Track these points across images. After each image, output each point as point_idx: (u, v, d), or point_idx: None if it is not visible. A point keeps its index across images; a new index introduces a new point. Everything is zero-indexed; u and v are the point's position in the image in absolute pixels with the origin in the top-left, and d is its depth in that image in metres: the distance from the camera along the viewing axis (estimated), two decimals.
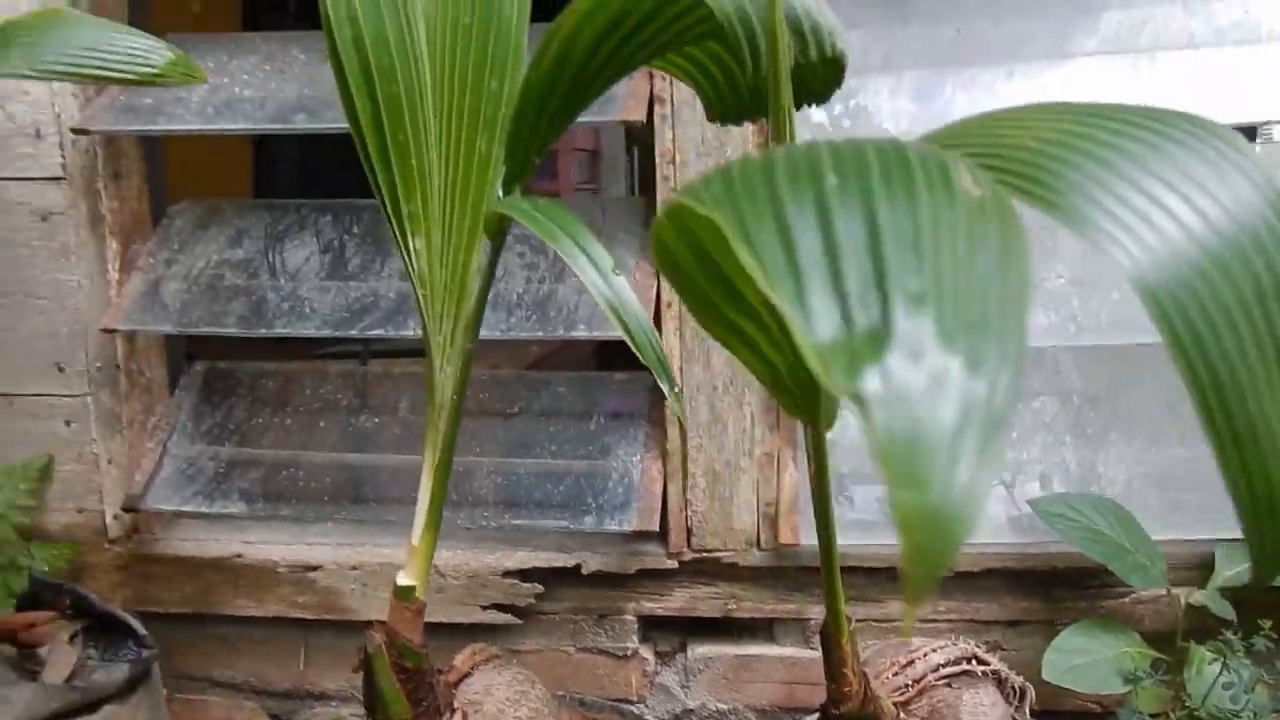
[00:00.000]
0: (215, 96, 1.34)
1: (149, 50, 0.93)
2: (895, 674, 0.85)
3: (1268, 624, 1.17)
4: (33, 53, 0.90)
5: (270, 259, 1.40)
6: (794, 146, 0.38)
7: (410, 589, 0.83)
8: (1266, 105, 1.23)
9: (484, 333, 1.28)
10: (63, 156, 1.34)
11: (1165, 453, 1.33)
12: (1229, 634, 1.14)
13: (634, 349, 0.67)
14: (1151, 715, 1.15)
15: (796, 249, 0.32)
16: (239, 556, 1.42)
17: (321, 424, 1.46)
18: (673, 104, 1.25)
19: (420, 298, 0.78)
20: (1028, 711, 0.91)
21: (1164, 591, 1.24)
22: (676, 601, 1.37)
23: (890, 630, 1.35)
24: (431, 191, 0.76)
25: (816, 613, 1.36)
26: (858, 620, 1.35)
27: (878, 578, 1.34)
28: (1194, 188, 0.38)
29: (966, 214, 0.33)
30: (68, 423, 1.41)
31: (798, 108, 0.69)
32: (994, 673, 0.89)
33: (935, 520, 0.27)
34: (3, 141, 1.35)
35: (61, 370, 1.40)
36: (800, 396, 0.64)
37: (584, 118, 0.83)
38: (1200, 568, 1.26)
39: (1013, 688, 0.90)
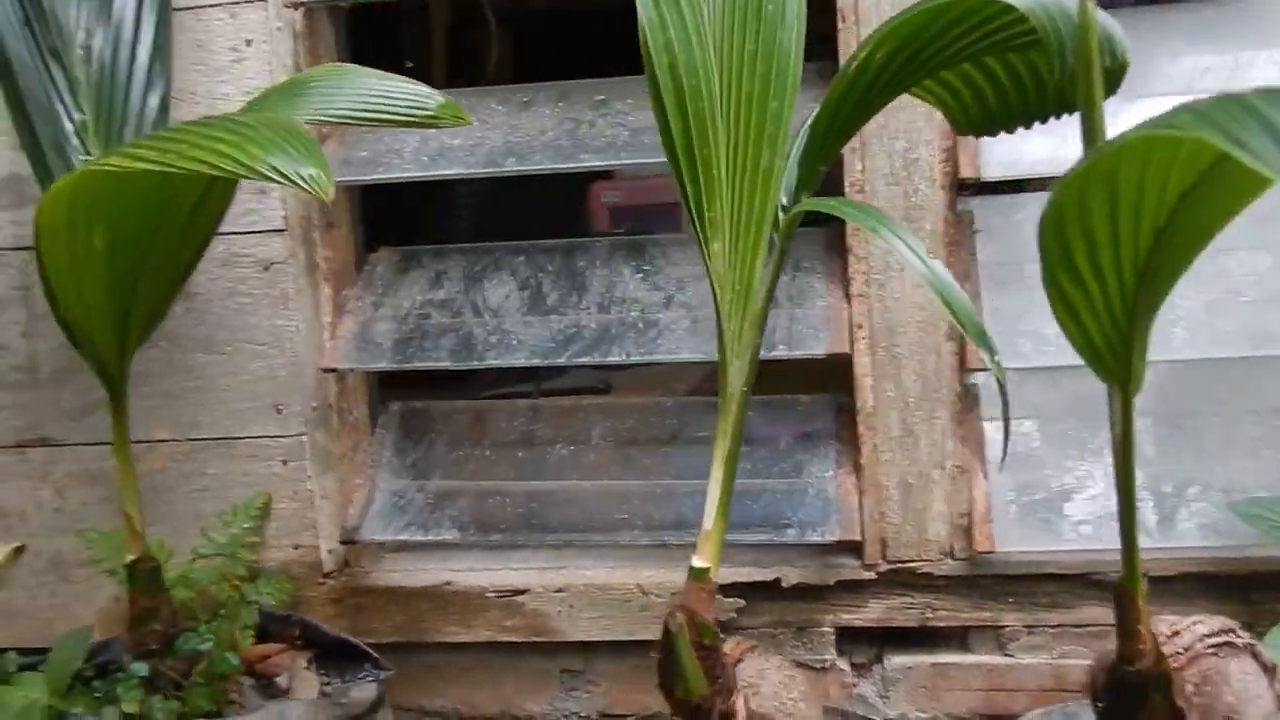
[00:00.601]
0: (426, 146, 1.45)
1: (424, 96, 1.03)
2: (1163, 643, 0.89)
3: None
4: (327, 100, 1.01)
5: (471, 298, 1.49)
6: (1241, 92, 0.45)
7: (705, 570, 0.90)
8: None
9: (686, 355, 1.37)
10: (284, 209, 1.45)
11: None
12: None
13: (957, 323, 0.74)
14: None
15: None
16: (448, 584, 1.49)
17: (519, 454, 1.54)
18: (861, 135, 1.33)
19: (716, 296, 0.86)
20: (1279, 687, 0.94)
21: None
22: (873, 612, 1.42)
23: (1085, 635, 1.38)
24: (723, 201, 0.85)
25: (1011, 620, 1.40)
26: (1054, 625, 1.39)
27: (1071, 584, 1.37)
28: None
29: None
30: (284, 462, 1.50)
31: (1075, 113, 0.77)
32: (1249, 646, 0.93)
33: None
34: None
35: (279, 412, 1.49)
36: (1113, 360, 0.70)
37: None
38: None
39: (1267, 664, 0.94)
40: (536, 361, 1.41)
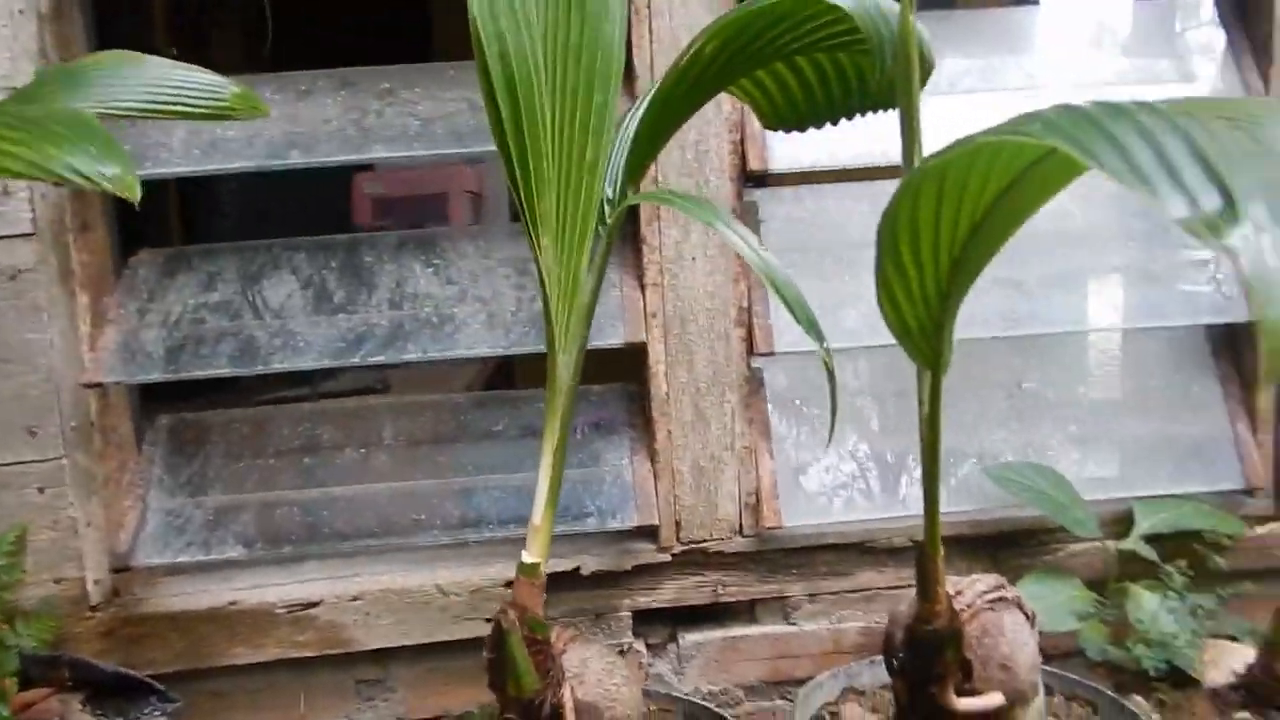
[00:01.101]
0: (197, 138, 1.36)
1: (218, 86, 0.98)
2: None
3: (1182, 563, 1.38)
4: (110, 91, 0.93)
5: (250, 299, 1.42)
6: (1077, 104, 0.51)
7: (535, 565, 0.91)
8: None
9: (485, 349, 1.37)
10: (32, 211, 1.32)
11: (1084, 428, 1.55)
12: (1169, 568, 1.35)
13: (788, 309, 0.78)
14: (1106, 644, 1.34)
15: (1134, 157, 0.46)
16: (233, 604, 1.41)
17: (305, 461, 1.48)
18: None
19: (544, 290, 0.87)
20: (1038, 632, 1.07)
21: (1092, 543, 1.44)
22: (668, 593, 1.47)
23: (860, 600, 1.50)
24: (551, 194, 0.86)
25: (795, 590, 1.49)
26: (833, 593, 1.49)
27: (848, 553, 1.48)
28: None
29: (1243, 139, 0.47)
30: (41, 489, 1.36)
31: (885, 109, 0.83)
32: (1017, 600, 1.04)
33: None
34: None
35: (33, 435, 1.35)
36: (924, 344, 0.77)
37: None
38: (1115, 522, 1.47)
39: (1029, 613, 1.06)
40: (327, 363, 1.36)
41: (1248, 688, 1.30)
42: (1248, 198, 0.44)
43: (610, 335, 1.38)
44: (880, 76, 0.74)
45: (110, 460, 1.41)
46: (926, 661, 0.93)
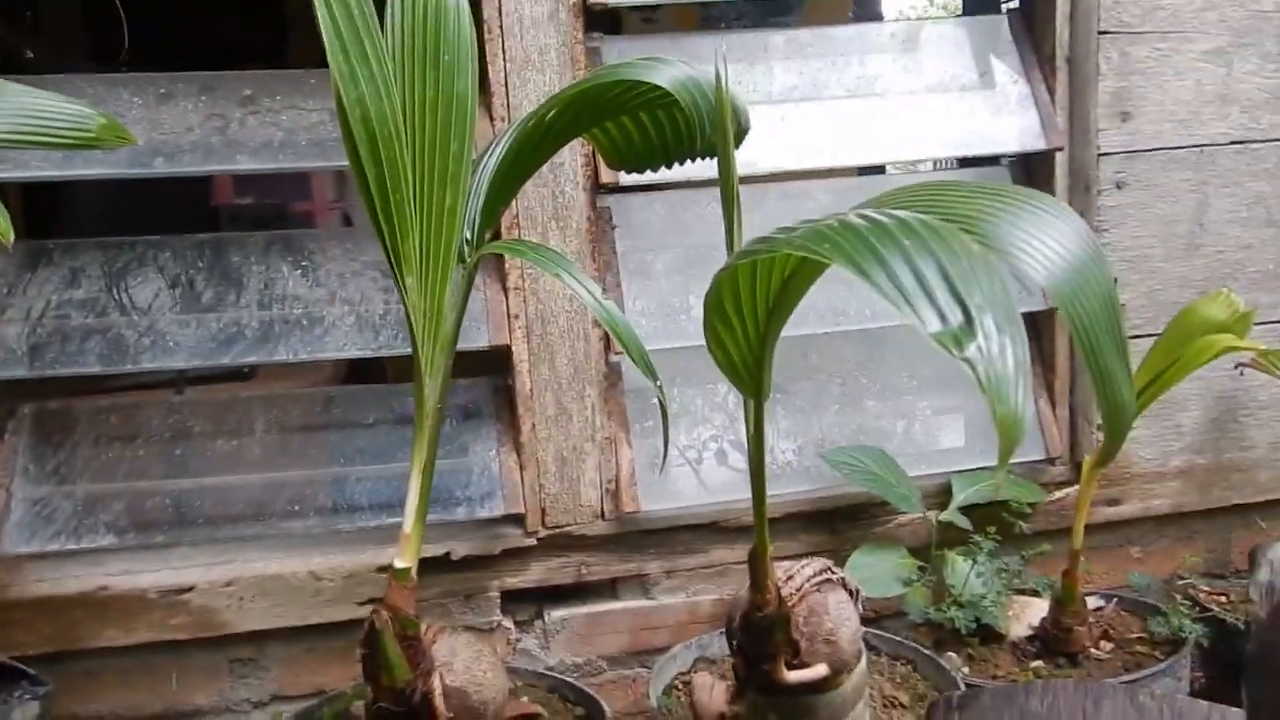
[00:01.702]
0: None
1: (84, 116, 1.00)
2: (780, 587, 1.11)
3: (992, 530, 1.55)
4: None
5: (117, 296, 1.43)
6: (865, 214, 0.61)
7: (406, 570, 0.99)
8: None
9: (355, 351, 1.43)
10: None
11: (909, 408, 1.71)
12: (978, 536, 1.52)
13: (627, 353, 0.88)
14: (928, 607, 1.51)
15: (900, 281, 0.57)
16: (103, 589, 1.45)
17: (177, 451, 1.51)
18: None
19: (410, 324, 0.94)
20: (861, 606, 1.21)
21: (920, 515, 1.60)
22: (534, 574, 1.57)
23: (714, 575, 1.63)
24: (414, 238, 0.93)
25: (653, 568, 1.61)
26: (689, 569, 1.62)
27: (702, 532, 1.61)
28: (1056, 234, 0.66)
29: (979, 256, 0.58)
30: None
31: (712, 156, 0.93)
32: (841, 579, 1.18)
33: (1015, 419, 0.53)
34: None
35: None
36: (749, 379, 0.88)
37: None
38: (938, 494, 1.63)
39: (852, 589, 1.19)
40: (198, 363, 1.40)
41: (1041, 640, 1.49)
42: (980, 312, 0.55)
43: (476, 339, 1.46)
44: (702, 141, 0.84)
45: None
46: (760, 643, 1.05)
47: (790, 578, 1.14)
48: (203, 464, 1.51)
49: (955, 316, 0.55)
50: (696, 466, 1.61)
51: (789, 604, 1.11)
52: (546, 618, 1.60)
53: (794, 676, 1.10)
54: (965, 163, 1.80)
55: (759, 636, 1.05)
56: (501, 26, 1.42)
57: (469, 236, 0.97)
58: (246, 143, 1.39)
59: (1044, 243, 0.66)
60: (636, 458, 1.57)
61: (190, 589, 1.47)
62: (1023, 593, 1.60)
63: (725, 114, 0.83)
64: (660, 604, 1.62)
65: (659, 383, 0.87)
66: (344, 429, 1.57)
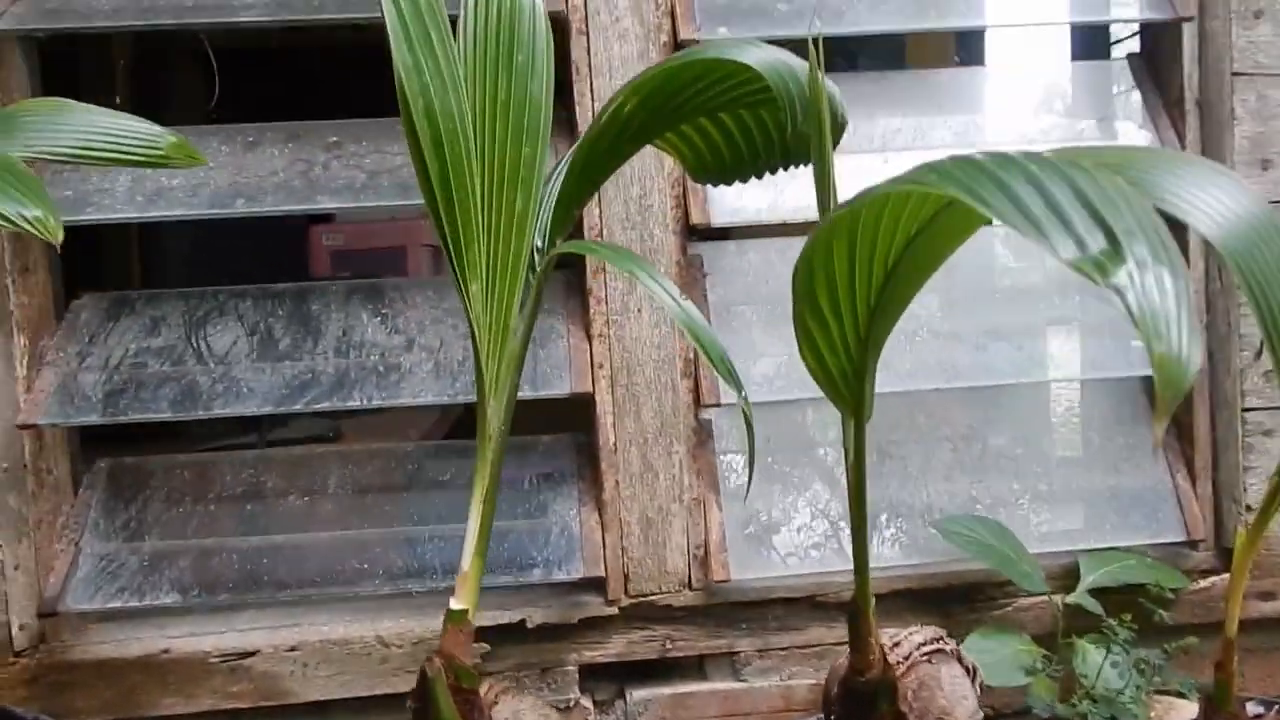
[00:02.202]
0: (141, 186, 1.36)
1: (155, 135, 0.98)
2: (887, 652, 0.98)
3: (1127, 617, 1.38)
4: (43, 136, 0.93)
5: (195, 344, 1.41)
6: (970, 155, 0.52)
7: (463, 613, 0.89)
8: None
9: (430, 398, 1.36)
10: None
11: (1029, 480, 1.55)
12: (1113, 622, 1.35)
13: (709, 362, 0.79)
14: (1054, 701, 1.33)
15: (1026, 205, 0.46)
16: (165, 652, 1.38)
17: (247, 508, 1.46)
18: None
19: (475, 339, 0.87)
20: (979, 686, 1.06)
21: (1042, 597, 1.44)
22: (615, 647, 1.45)
23: (813, 655, 1.48)
24: (480, 244, 0.86)
25: (744, 645, 1.47)
26: (783, 648, 1.48)
27: (798, 607, 1.47)
28: (1223, 190, 0.55)
29: (1124, 186, 0.48)
30: None
31: (805, 164, 0.84)
32: (956, 652, 1.04)
33: (1176, 359, 0.41)
34: None
35: None
36: (847, 390, 0.77)
37: None
38: (1062, 576, 1.46)
39: (969, 666, 1.05)
40: (269, 409, 1.35)
41: None
42: (1129, 238, 0.44)
43: (557, 385, 1.38)
44: (793, 132, 0.75)
45: (44, 503, 1.38)
46: (860, 713, 0.92)
47: (897, 644, 1.01)
48: (273, 521, 1.45)
49: (1096, 241, 0.44)
50: (791, 535, 1.49)
51: (895, 672, 0.97)
52: (628, 698, 1.47)
53: None
54: None
55: (860, 707, 0.92)
56: (590, 66, 1.38)
57: (539, 244, 0.90)
58: (328, 184, 1.37)
59: (1210, 195, 0.55)
60: (727, 522, 1.46)
61: (254, 653, 1.39)
62: (1165, 693, 1.41)
63: (821, 101, 0.75)
64: (751, 687, 1.48)
65: (744, 393, 0.77)
66: (420, 487, 1.49)
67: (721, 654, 1.48)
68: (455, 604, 0.90)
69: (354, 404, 1.35)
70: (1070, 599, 1.41)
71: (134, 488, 1.46)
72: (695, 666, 1.49)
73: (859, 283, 0.71)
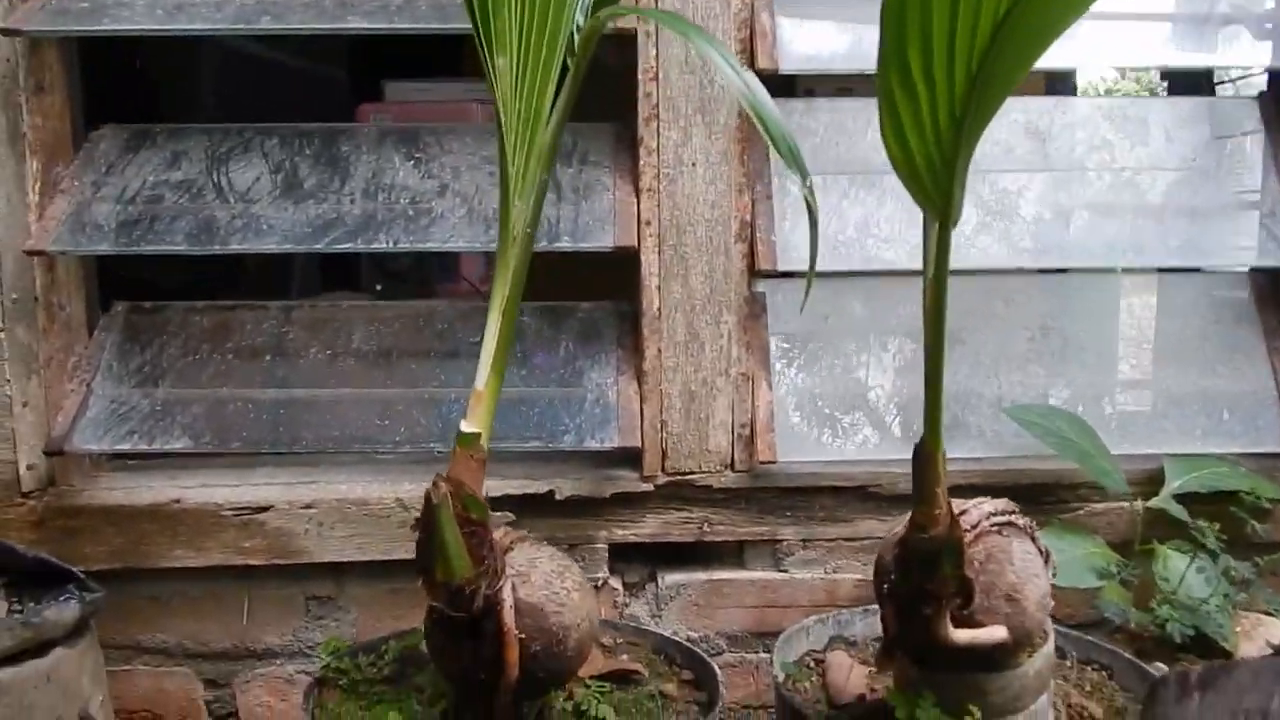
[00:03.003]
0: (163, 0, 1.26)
1: None
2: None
3: (1216, 526, 1.25)
4: None
5: (216, 180, 1.32)
6: None
7: (475, 436, 0.79)
8: None
9: (461, 244, 1.26)
10: None
11: (1112, 375, 1.42)
12: (1201, 524, 1.22)
13: (769, 139, 0.67)
14: (1128, 607, 1.21)
15: None
16: (176, 502, 1.31)
17: (268, 360, 1.37)
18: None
19: (499, 125, 0.75)
20: (1053, 571, 0.94)
21: (1117, 504, 1.32)
22: (649, 528, 1.36)
23: (861, 550, 1.37)
24: (511, 10, 0.74)
25: (788, 534, 1.37)
26: (829, 540, 1.37)
27: (849, 497, 1.36)
28: None
29: None
30: None
31: None
32: (1029, 528, 0.92)
33: None
34: None
35: None
36: (933, 185, 0.65)
37: None
38: (1144, 482, 1.33)
39: (1043, 548, 0.93)
40: (289, 247, 1.25)
41: None
42: None
43: (599, 238, 1.27)
44: None
45: (54, 339, 1.31)
46: (920, 578, 0.81)
47: (964, 513, 0.89)
48: (293, 375, 1.37)
49: None
50: (845, 421, 1.37)
51: (965, 540, 0.86)
52: (660, 582, 1.38)
53: (963, 636, 0.84)
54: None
55: (920, 569, 0.80)
56: None
57: (580, 23, 0.78)
58: (361, 5, 1.25)
59: None
60: (776, 401, 1.34)
61: (267, 508, 1.31)
62: (1250, 610, 1.28)
63: None
64: (793, 578, 1.38)
65: (808, 180, 0.65)
66: (448, 349, 1.40)
67: (763, 541, 1.37)
68: (467, 426, 0.80)
69: (379, 246, 1.25)
70: (1153, 503, 1.28)
71: (151, 333, 1.39)
72: (734, 553, 1.39)
73: (960, 39, 0.58)
